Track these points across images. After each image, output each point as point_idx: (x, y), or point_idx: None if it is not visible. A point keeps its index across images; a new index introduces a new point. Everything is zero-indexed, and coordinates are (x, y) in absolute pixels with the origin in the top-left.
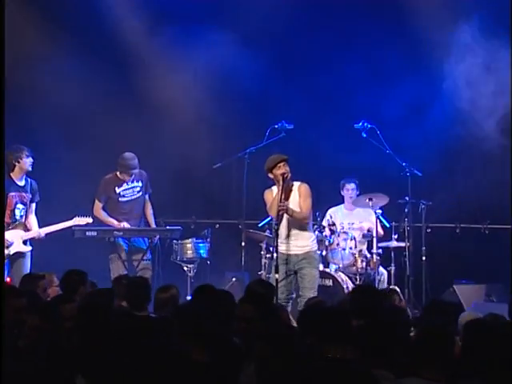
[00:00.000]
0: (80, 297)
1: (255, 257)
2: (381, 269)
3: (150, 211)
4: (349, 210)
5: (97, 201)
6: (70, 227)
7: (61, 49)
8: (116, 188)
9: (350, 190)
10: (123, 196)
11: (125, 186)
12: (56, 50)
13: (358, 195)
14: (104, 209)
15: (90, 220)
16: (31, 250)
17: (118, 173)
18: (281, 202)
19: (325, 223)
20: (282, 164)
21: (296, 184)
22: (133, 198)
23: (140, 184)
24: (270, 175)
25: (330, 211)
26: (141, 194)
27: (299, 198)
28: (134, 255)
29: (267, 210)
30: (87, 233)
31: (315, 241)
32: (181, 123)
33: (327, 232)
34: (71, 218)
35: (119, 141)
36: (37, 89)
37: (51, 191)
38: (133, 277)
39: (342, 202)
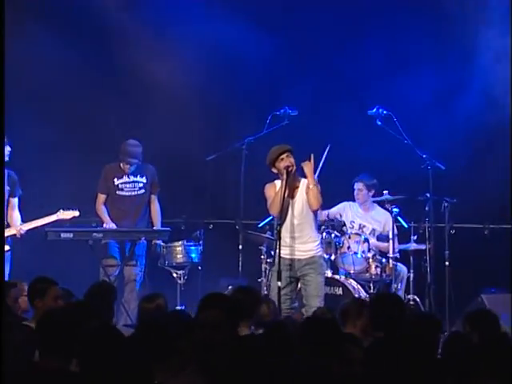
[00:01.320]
0: (37, 311)
1: (254, 262)
2: (401, 266)
3: (156, 212)
4: (364, 211)
5: (98, 193)
6: (54, 222)
7: (36, 24)
8: (115, 179)
9: (356, 189)
10: (121, 189)
11: (125, 179)
12: (31, 26)
13: (373, 196)
14: (106, 204)
15: (76, 213)
16: (11, 252)
17: (121, 163)
18: (284, 199)
19: (334, 210)
20: (285, 155)
21: (303, 180)
22: (132, 194)
23: (144, 180)
24: (274, 170)
25: (342, 204)
26: (144, 191)
27: (307, 195)
28: (129, 261)
29: (268, 207)
30: (62, 234)
31: (320, 245)
32: (171, 108)
33: (330, 223)
34: (55, 212)
35: (98, 126)
36: (9, 67)
37: (30, 181)
38: (98, 284)
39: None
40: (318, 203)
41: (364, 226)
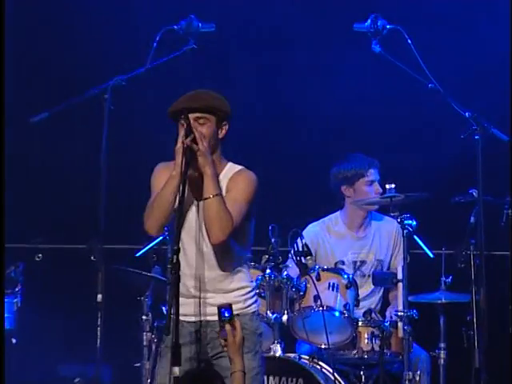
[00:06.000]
0: None
1: (128, 328)
2: (418, 349)
3: None
4: (360, 230)
5: None
6: None
7: None
8: None
9: (368, 182)
10: None
11: None
12: None
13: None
14: None
15: None
16: None
17: None
18: (181, 202)
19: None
20: (193, 117)
21: (231, 168)
22: None
23: None
24: None
25: (310, 233)
26: None
27: (226, 193)
28: None
29: (145, 213)
30: None
31: (253, 293)
32: None
33: (292, 268)
34: None
35: None
36: None
37: None
38: None
39: (338, 209)
40: (221, 232)
41: (363, 263)
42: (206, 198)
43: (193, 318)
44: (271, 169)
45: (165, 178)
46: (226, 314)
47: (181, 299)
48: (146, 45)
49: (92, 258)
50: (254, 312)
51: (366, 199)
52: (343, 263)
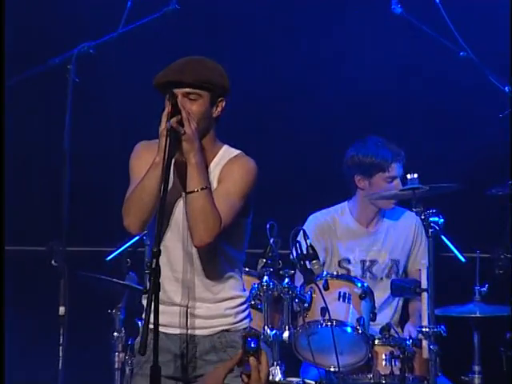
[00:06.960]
0: None
1: (96, 346)
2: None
3: None
4: (370, 226)
5: None
6: None
7: None
8: None
9: (389, 178)
10: None
11: None
12: None
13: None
14: None
15: None
16: None
17: None
18: (164, 191)
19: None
20: (184, 92)
21: (226, 153)
22: None
23: None
24: None
25: (310, 220)
26: None
27: (218, 184)
28: None
29: (124, 207)
30: None
31: (246, 305)
32: None
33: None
34: None
35: None
36: None
37: None
38: None
39: (347, 199)
40: (206, 234)
41: (374, 263)
42: (189, 192)
43: (173, 330)
44: (269, 155)
45: (147, 161)
46: (253, 345)
47: (162, 309)
48: (119, 5)
49: (53, 262)
50: (245, 328)
51: (380, 193)
52: (349, 261)
